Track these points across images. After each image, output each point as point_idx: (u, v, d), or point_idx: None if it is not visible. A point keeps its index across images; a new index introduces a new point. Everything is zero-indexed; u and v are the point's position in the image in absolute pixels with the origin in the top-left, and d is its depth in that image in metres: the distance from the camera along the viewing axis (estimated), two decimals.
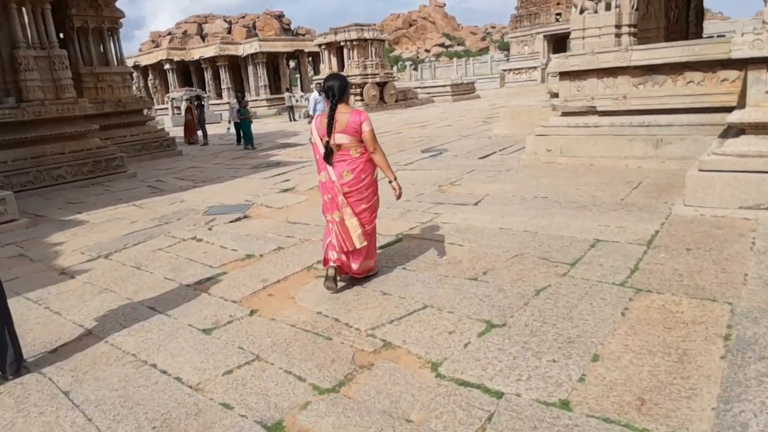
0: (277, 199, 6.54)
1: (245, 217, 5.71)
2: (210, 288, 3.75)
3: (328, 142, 3.26)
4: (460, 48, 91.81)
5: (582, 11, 6.67)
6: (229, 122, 14.52)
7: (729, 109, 5.55)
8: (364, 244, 3.37)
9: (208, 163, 10.86)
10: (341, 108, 3.26)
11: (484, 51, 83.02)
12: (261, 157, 11.27)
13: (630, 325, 2.70)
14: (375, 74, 24.53)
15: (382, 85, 24.87)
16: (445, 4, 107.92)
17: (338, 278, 3.44)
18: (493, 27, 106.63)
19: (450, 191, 6.03)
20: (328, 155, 3.30)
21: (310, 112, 12.91)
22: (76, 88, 11.35)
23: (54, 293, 3.94)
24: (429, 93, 29.38)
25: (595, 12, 6.63)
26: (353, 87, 24.10)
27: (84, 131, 9.00)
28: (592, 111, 6.66)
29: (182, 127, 16.35)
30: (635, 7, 6.51)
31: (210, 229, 5.27)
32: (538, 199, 5.19)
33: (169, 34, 76.78)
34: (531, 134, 7.30)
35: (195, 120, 15.54)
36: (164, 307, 3.46)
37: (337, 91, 3.25)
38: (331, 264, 3.43)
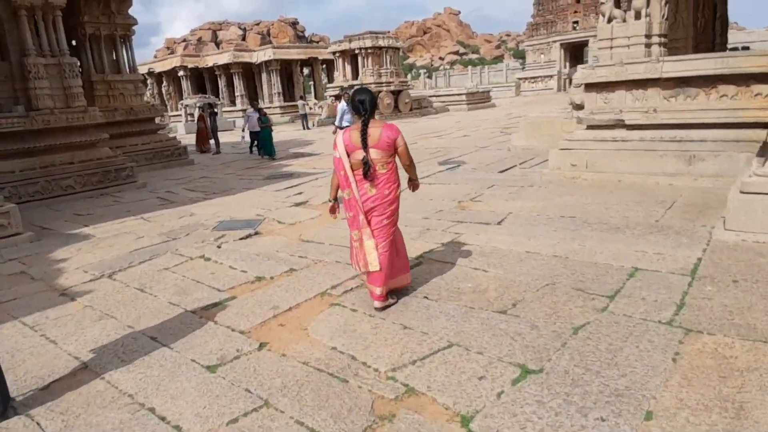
0: (289, 213, 6.30)
1: (256, 233, 5.48)
2: (217, 315, 3.49)
3: (365, 157, 3.19)
4: (474, 56, 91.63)
5: (610, 20, 6.37)
6: (243, 131, 14.06)
7: (764, 125, 5.21)
8: (377, 269, 3.24)
9: (220, 173, 10.70)
10: (372, 122, 3.21)
11: (498, 59, 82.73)
12: (273, 167, 11.08)
13: (683, 373, 2.39)
14: (390, 82, 24.37)
15: (396, 94, 24.69)
16: (459, 12, 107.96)
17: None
18: (507, 35, 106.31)
19: (470, 208, 5.74)
20: (367, 171, 3.21)
21: (337, 123, 12.63)
22: (87, 96, 11.31)
23: (52, 318, 3.72)
24: (444, 102, 29.14)
25: (624, 21, 6.32)
26: None
27: (94, 140, 8.89)
28: (619, 124, 6.33)
29: (195, 135, 16.28)
30: (666, 16, 6.19)
31: (219, 247, 5.03)
32: (566, 219, 4.87)
33: (184, 40, 77.81)
34: (554, 148, 6.98)
35: (207, 128, 15.44)
36: (167, 337, 3.21)
37: (368, 105, 3.21)
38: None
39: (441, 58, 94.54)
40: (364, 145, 3.16)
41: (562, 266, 3.69)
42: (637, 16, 6.18)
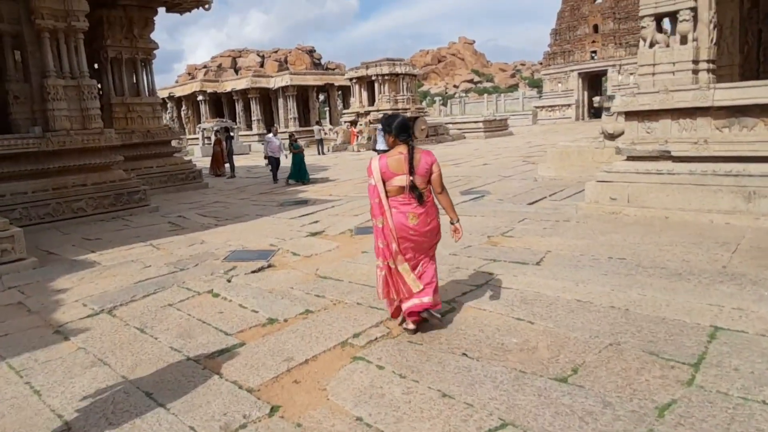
0: (305, 244, 5.88)
1: (269, 266, 5.05)
2: (222, 366, 3.03)
3: (412, 182, 3.09)
4: (489, 84, 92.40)
5: (652, 45, 5.98)
6: (265, 158, 13.36)
7: None
8: (421, 287, 3.16)
9: (234, 198, 10.40)
10: (406, 149, 3.13)
11: (513, 88, 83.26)
12: (289, 193, 10.75)
13: None
14: (406, 109, 24.28)
15: (412, 120, 24.54)
16: (474, 41, 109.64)
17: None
18: (522, 64, 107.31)
19: (503, 244, 5.25)
20: (420, 197, 3.13)
21: (377, 148, 12.15)
22: (106, 118, 11.25)
23: (42, 360, 3.30)
24: (460, 129, 28.96)
25: (667, 46, 5.92)
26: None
27: (108, 162, 8.67)
28: (665, 156, 5.85)
29: (210, 158, 16.15)
30: (714, 41, 5.78)
31: (229, 281, 4.61)
32: (615, 261, 4.35)
33: (205, 67, 79.88)
34: (591, 180, 6.51)
35: (224, 152, 15.31)
36: (164, 394, 2.75)
37: (411, 129, 3.21)
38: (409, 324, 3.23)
39: (455, 86, 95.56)
40: (412, 171, 3.06)
41: (623, 321, 3.17)
42: (683, 40, 5.77)
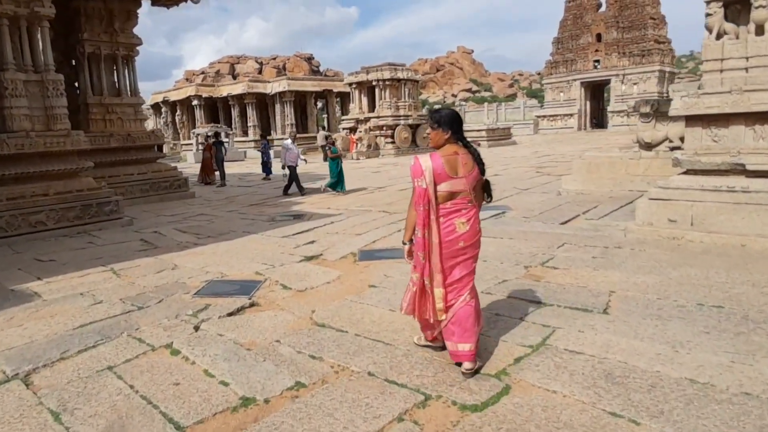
0: (298, 273, 4.79)
1: (251, 304, 3.96)
2: None
3: (480, 183, 2.83)
4: (487, 94, 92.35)
5: (719, 36, 4.97)
6: (283, 167, 11.50)
7: None
8: (442, 318, 2.77)
9: (221, 210, 9.29)
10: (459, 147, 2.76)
11: (511, 97, 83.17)
12: (282, 205, 9.67)
13: None
14: (408, 116, 23.32)
15: (414, 128, 23.60)
16: (473, 51, 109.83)
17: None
18: (520, 74, 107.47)
19: (547, 279, 4.18)
20: (489, 197, 2.98)
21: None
22: (81, 120, 10.17)
23: None
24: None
25: (737, 37, 4.91)
26: (384, 128, 22.89)
27: (75, 169, 7.57)
28: (737, 170, 4.81)
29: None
30: None
31: (196, 329, 3.50)
32: (711, 311, 3.28)
33: (203, 72, 79.25)
34: (644, 197, 5.47)
35: (213, 159, 14.23)
36: None
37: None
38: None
39: (454, 95, 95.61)
40: (483, 172, 2.83)
41: None
42: (759, 30, 4.77)
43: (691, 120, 5.12)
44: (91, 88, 10.22)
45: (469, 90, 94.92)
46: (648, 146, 7.88)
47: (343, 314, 3.64)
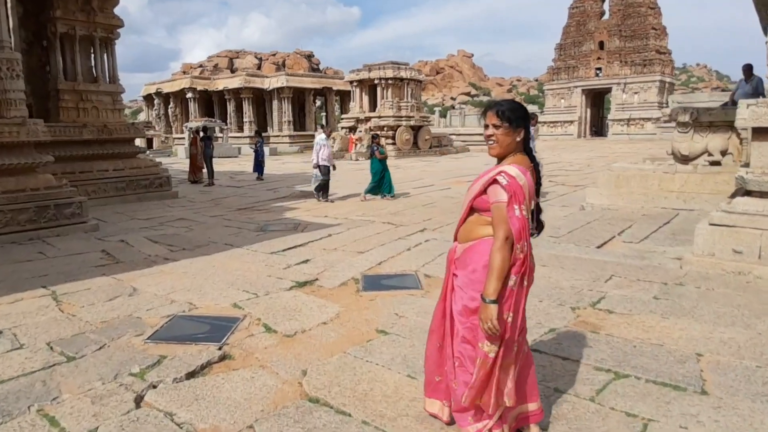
0: (287, 307, 3.82)
1: (222, 358, 2.98)
2: None
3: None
4: (485, 98, 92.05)
5: None
6: (317, 167, 9.60)
7: None
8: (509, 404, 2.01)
9: (204, 215, 8.28)
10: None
11: None
12: (273, 210, 8.67)
13: None
14: (410, 117, 22.40)
15: (416, 129, 22.68)
16: (472, 55, 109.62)
17: None
18: (518, 80, 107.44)
19: (606, 329, 3.23)
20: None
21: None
22: (51, 108, 9.14)
23: None
24: (464, 141, 27.21)
25: None
26: (384, 129, 21.94)
27: (31, 164, 6.53)
28: None
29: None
30: None
31: (137, 404, 2.50)
32: None
33: (201, 66, 77.97)
34: (704, 222, 4.55)
35: (200, 155, 13.20)
36: None
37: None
38: None
39: (453, 98, 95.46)
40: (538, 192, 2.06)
41: None
42: None
43: (759, 133, 4.21)
44: (64, 72, 9.18)
45: (468, 94, 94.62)
46: (685, 159, 7.00)
47: (344, 381, 2.67)
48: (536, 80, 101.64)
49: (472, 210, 2.03)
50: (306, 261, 5.13)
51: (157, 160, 21.70)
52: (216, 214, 8.27)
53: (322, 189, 9.56)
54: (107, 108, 9.49)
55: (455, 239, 2.14)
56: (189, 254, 5.53)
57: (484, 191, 1.96)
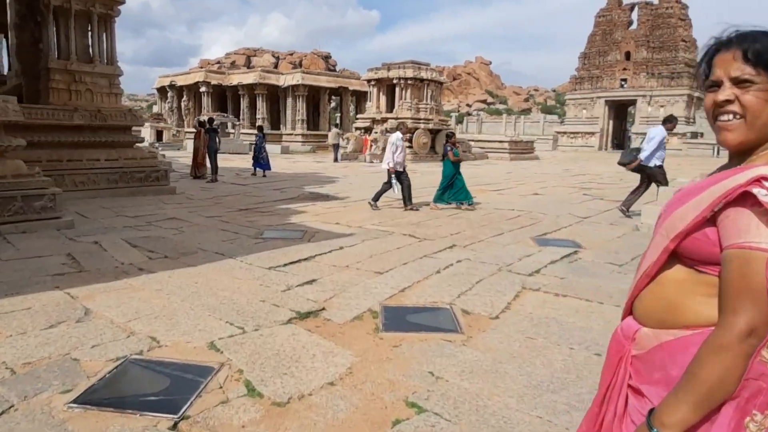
0: (281, 352, 2.80)
1: None
2: None
3: None
4: (502, 106, 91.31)
5: None
6: (397, 169, 8.14)
7: None
8: None
9: (199, 215, 7.31)
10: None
11: (526, 111, 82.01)
12: (278, 212, 7.69)
13: None
14: (428, 120, 21.38)
15: (434, 133, 21.64)
16: (491, 62, 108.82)
17: None
18: (536, 90, 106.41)
19: None
20: None
21: (644, 157, 7.24)
22: (41, 89, 8.27)
23: None
24: (483, 148, 26.06)
25: None
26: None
27: None
28: None
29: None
30: None
31: None
32: None
33: (218, 62, 77.90)
34: None
35: (204, 148, 12.29)
36: None
37: None
38: None
39: (468, 105, 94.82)
40: None
41: None
42: None
43: None
44: (57, 50, 8.31)
45: (484, 101, 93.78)
46: None
47: None
48: (554, 90, 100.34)
49: (673, 257, 0.99)
50: (311, 281, 4.12)
51: (166, 152, 20.98)
52: (213, 215, 7.30)
53: (407, 197, 8.10)
54: (102, 91, 8.60)
55: (628, 312, 1.11)
56: (170, 264, 4.54)
57: (709, 219, 0.91)
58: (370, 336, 3.08)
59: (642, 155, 7.44)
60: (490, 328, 3.19)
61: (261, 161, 13.22)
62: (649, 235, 3.37)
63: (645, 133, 31.94)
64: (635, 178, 8.19)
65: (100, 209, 7.33)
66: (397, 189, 8.18)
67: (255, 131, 32.57)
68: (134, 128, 9.45)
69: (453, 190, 8.36)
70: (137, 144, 9.43)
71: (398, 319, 3.37)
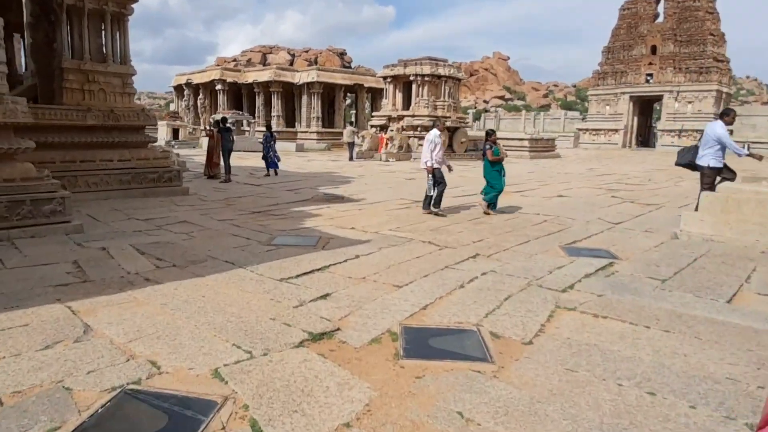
0: (291, 384, 2.53)
1: None
2: None
3: None
4: (520, 102, 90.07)
5: None
6: (431, 171, 7.48)
7: None
8: None
9: (211, 218, 7.11)
10: None
11: (545, 108, 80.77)
12: (292, 215, 7.44)
13: None
14: (446, 117, 20.92)
15: (452, 131, 21.19)
16: (508, 58, 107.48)
17: None
18: (555, 85, 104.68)
19: None
20: None
21: (713, 160, 6.56)
22: (55, 89, 8.16)
23: None
24: (503, 145, 25.51)
25: None
26: (418, 129, 20.56)
27: (6, 150, 5.45)
28: None
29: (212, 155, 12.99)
30: None
31: None
32: None
33: (234, 60, 78.42)
34: None
35: (217, 148, 12.12)
36: None
37: None
38: None
39: (486, 101, 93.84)
40: None
41: None
42: None
43: None
44: (71, 50, 8.19)
45: (501, 97, 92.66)
46: None
47: None
48: (574, 86, 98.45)
49: None
50: (325, 296, 3.84)
51: (181, 151, 20.98)
52: (225, 218, 7.08)
53: (436, 200, 7.56)
54: (116, 91, 8.46)
55: None
56: (177, 274, 4.32)
57: None
58: (390, 363, 2.79)
59: (737, 152, 6.44)
60: (524, 356, 2.87)
61: (270, 160, 13.07)
62: (691, 245, 2.97)
63: (677, 130, 30.73)
64: (664, 179, 7.70)
65: (111, 212, 7.18)
66: (433, 189, 7.62)
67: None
68: (149, 127, 9.29)
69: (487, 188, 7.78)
70: (150, 144, 9.29)
71: (420, 343, 3.06)
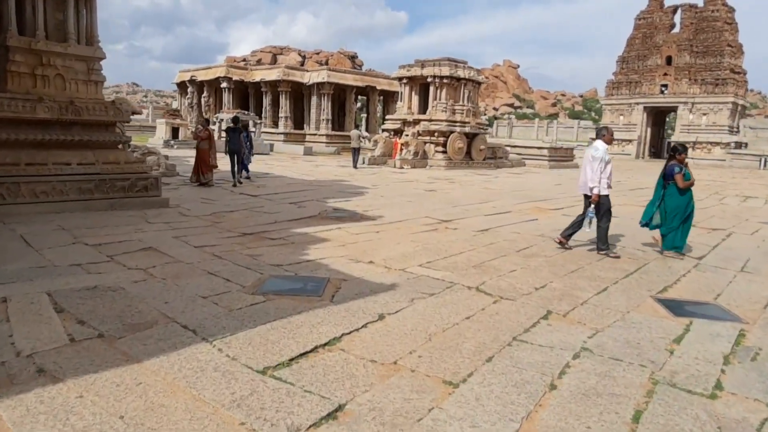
0: None
1: None
2: None
3: None
4: (529, 110, 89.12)
5: None
6: (601, 194, 5.74)
7: None
8: None
9: (186, 245, 5.42)
10: None
11: (553, 116, 79.82)
12: (292, 241, 5.77)
13: None
14: (465, 122, 19.28)
15: (470, 138, 19.53)
16: (518, 66, 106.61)
17: None
18: (563, 95, 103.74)
19: None
20: None
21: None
22: None
23: None
24: (520, 154, 23.88)
25: None
26: (435, 134, 18.90)
27: None
28: None
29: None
30: None
31: None
32: None
33: (243, 60, 77.27)
34: None
35: (212, 151, 10.49)
36: None
37: None
38: None
39: (495, 109, 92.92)
40: None
41: None
42: None
43: None
44: (20, 25, 6.60)
45: (511, 105, 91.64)
46: None
47: None
48: (581, 96, 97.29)
49: None
50: (334, 414, 2.17)
51: (179, 152, 19.42)
52: (205, 244, 5.42)
53: (602, 237, 5.76)
54: (78, 78, 6.87)
55: None
56: (96, 358, 2.65)
57: None
58: None
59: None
60: None
61: (242, 162, 11.58)
62: None
63: (691, 142, 28.80)
64: (705, 196, 5.98)
65: (55, 232, 5.53)
66: (590, 224, 5.80)
67: (276, 131, 31.02)
68: (147, 126, 7.72)
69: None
70: (124, 144, 7.67)
71: None
